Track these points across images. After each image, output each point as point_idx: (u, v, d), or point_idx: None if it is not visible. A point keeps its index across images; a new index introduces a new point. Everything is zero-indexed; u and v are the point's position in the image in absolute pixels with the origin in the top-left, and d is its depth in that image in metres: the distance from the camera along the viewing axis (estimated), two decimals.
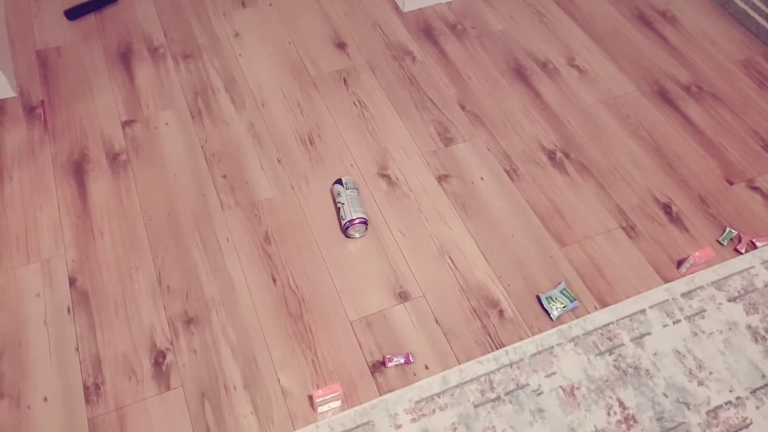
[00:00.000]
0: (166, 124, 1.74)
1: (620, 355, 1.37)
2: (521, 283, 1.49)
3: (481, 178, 1.67)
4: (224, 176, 1.64)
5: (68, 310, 1.38)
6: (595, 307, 1.45)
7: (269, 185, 1.64)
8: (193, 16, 2.04)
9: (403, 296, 1.45)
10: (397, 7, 2.12)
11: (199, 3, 2.08)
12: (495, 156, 1.72)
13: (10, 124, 1.71)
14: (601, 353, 1.37)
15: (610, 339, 1.39)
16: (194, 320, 1.38)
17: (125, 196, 1.57)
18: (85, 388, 1.27)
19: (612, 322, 1.41)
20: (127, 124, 1.73)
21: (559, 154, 1.74)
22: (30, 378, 1.28)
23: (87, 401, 1.26)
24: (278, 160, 1.69)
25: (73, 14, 2.00)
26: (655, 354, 1.37)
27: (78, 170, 1.62)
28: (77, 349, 1.32)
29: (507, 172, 1.69)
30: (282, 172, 1.67)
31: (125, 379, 1.29)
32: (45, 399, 1.26)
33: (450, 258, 1.51)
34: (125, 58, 1.90)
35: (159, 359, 1.32)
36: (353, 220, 1.50)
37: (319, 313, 1.42)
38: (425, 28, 2.06)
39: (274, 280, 1.46)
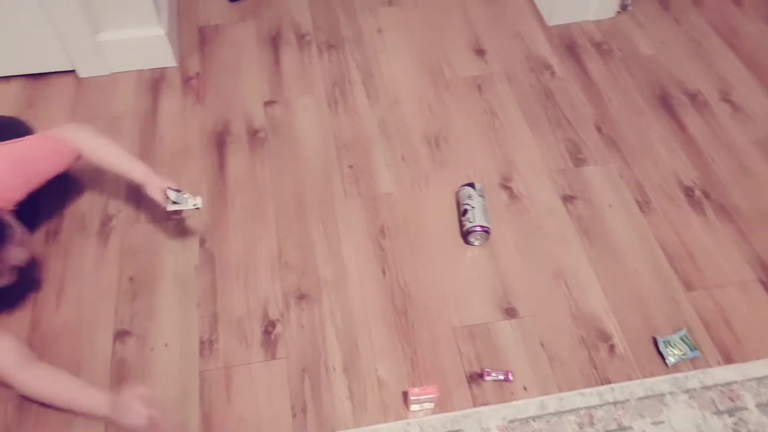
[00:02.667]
0: (304, 108, 1.82)
1: (741, 419, 1.26)
2: (638, 321, 1.41)
3: (609, 205, 1.60)
4: (350, 166, 1.69)
5: (195, 268, 1.49)
6: (718, 362, 1.34)
7: (391, 180, 1.67)
8: (341, 9, 2.12)
9: (510, 313, 1.42)
10: (542, 20, 2.08)
11: None
12: (627, 184, 1.64)
13: (168, 90, 1.87)
14: (719, 412, 1.27)
15: (731, 399, 1.28)
16: (306, 297, 1.44)
17: (259, 171, 1.66)
18: (201, 342, 1.37)
19: (736, 382, 1.30)
20: (268, 104, 1.83)
21: (697, 192, 1.63)
22: (156, 323, 1.40)
23: (201, 354, 1.35)
24: (403, 158, 1.72)
25: None
26: None
27: (220, 141, 1.74)
28: (198, 305, 1.42)
29: (638, 202, 1.61)
30: (405, 170, 1.69)
31: (236, 341, 1.37)
32: (166, 345, 1.36)
33: (565, 282, 1.46)
34: (274, 42, 2.01)
35: (269, 328, 1.39)
36: (480, 226, 1.49)
37: (423, 312, 1.42)
38: (569, 44, 2.01)
39: (384, 273, 1.49)
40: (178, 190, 1.38)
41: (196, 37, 2.03)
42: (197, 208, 1.40)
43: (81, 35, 1.78)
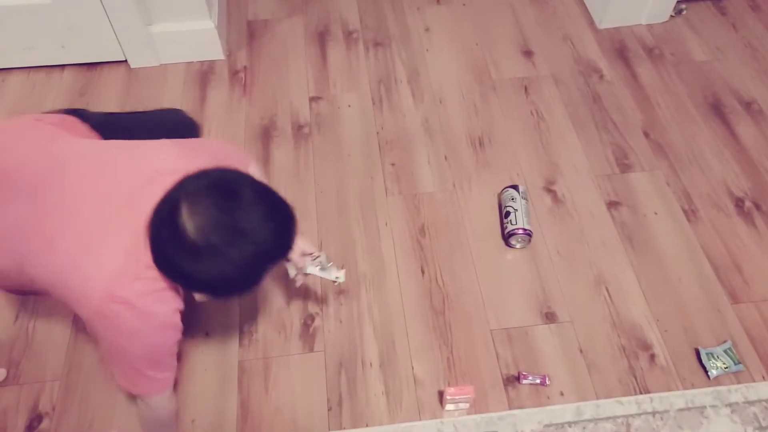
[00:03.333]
0: (349, 105, 1.84)
1: None
2: (680, 331, 1.38)
3: (655, 213, 1.57)
4: (393, 164, 1.70)
5: None
6: (763, 377, 1.31)
7: (433, 180, 1.67)
8: (389, 7, 2.12)
9: (549, 317, 1.41)
10: (592, 23, 2.05)
11: None
12: (674, 192, 1.61)
13: (216, 82, 1.91)
14: (761, 428, 1.24)
15: None
16: (345, 292, 1.45)
17: (303, 166, 1.69)
18: (240, 332, 1.40)
19: None
20: (314, 99, 1.85)
21: (748, 203, 1.59)
22: (198, 313, 1.43)
23: (240, 344, 1.38)
24: (445, 158, 1.72)
25: None
26: None
27: (265, 134, 1.77)
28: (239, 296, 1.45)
29: (685, 211, 1.57)
30: (447, 170, 1.69)
31: (275, 332, 1.40)
32: (206, 334, 1.40)
33: (606, 289, 1.45)
34: (322, 38, 2.03)
35: (308, 321, 1.41)
36: (523, 229, 1.48)
37: (461, 313, 1.42)
38: (619, 48, 1.97)
39: (423, 272, 1.49)
40: (319, 256, 1.24)
41: (244, 31, 2.06)
42: (338, 283, 1.28)
43: (134, 26, 1.83)
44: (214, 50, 1.95)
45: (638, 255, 1.50)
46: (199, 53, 1.96)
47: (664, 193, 1.61)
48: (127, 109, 1.82)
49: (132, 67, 1.94)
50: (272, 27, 2.07)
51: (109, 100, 1.86)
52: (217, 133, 1.77)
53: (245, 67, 1.95)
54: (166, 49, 1.93)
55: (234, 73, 1.93)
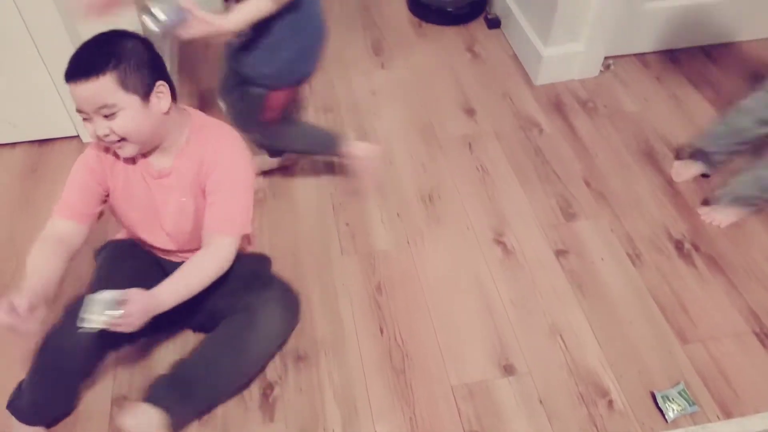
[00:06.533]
0: (301, 169, 1.87)
1: None
2: (635, 375, 1.41)
3: (602, 259, 1.63)
4: (347, 224, 1.72)
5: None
6: (718, 417, 1.34)
7: (387, 237, 1.70)
8: (336, 73, 2.20)
9: (508, 369, 1.42)
10: (529, 80, 2.16)
11: (343, 61, 2.24)
12: (618, 238, 1.68)
13: None
14: None
15: None
16: (304, 359, 1.44)
17: (258, 231, 1.68)
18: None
19: None
20: None
21: (687, 245, 1.67)
22: None
23: (199, 419, 1.33)
24: (398, 215, 1.75)
25: None
26: None
27: None
28: None
29: (629, 256, 1.64)
30: (400, 227, 1.72)
31: (234, 404, 1.36)
32: None
33: (561, 337, 1.48)
34: None
35: (267, 391, 1.38)
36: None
37: (421, 370, 1.42)
38: (555, 103, 2.08)
39: (382, 331, 1.50)
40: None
41: (196, 105, 2.09)
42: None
43: None
44: None
45: (589, 301, 1.54)
46: None
47: (609, 239, 1.68)
48: None
49: (84, 141, 1.93)
50: None
51: (62, 175, 1.83)
52: None
53: None
54: None
55: None
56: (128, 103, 1.08)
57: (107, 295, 1.02)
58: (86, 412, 1.35)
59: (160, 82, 1.12)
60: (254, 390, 1.38)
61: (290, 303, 1.38)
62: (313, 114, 2.04)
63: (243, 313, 1.29)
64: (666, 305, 1.54)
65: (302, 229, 1.71)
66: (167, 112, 1.14)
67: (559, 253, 1.65)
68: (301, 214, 1.74)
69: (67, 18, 1.66)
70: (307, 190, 1.81)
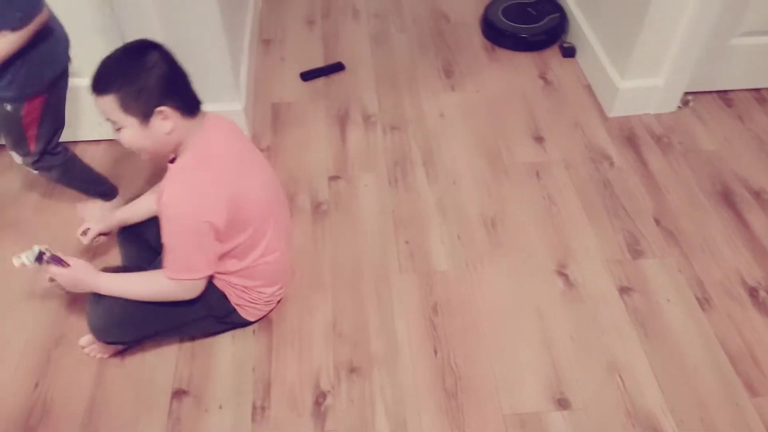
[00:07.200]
0: (365, 185, 1.90)
1: None
2: (697, 423, 1.35)
3: (668, 300, 1.58)
4: (407, 242, 1.74)
5: (253, 332, 1.54)
6: None
7: (446, 258, 1.70)
8: (406, 93, 2.23)
9: (562, 404, 1.39)
10: (602, 112, 2.13)
11: (414, 82, 2.28)
12: (687, 280, 1.62)
13: None
14: None
15: None
16: (357, 371, 1.46)
17: (320, 242, 1.73)
18: (254, 407, 1.40)
19: None
20: (333, 178, 1.92)
21: (762, 294, 1.59)
22: (212, 384, 1.44)
23: (253, 419, 1.38)
24: (458, 237, 1.75)
25: (307, 76, 2.31)
26: None
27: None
28: (253, 369, 1.46)
29: (698, 299, 1.58)
30: (460, 249, 1.72)
31: (288, 409, 1.39)
32: (220, 407, 1.40)
33: (620, 376, 1.43)
34: (342, 121, 2.13)
35: (320, 399, 1.41)
36: None
37: (474, 396, 1.41)
38: (629, 136, 2.04)
39: (436, 352, 1.50)
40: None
41: (269, 112, 2.17)
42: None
43: None
44: (241, 129, 2.05)
45: (652, 342, 1.50)
46: None
47: (677, 280, 1.62)
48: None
49: None
50: (295, 109, 2.18)
51: (141, 175, 1.94)
52: None
53: (268, 147, 2.04)
54: None
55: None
56: (128, 123, 1.16)
57: (36, 248, 1.28)
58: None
59: (160, 109, 1.15)
60: (307, 397, 1.41)
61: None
62: (380, 131, 2.08)
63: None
64: (735, 354, 1.47)
65: (362, 243, 1.74)
66: (170, 133, 1.18)
67: (623, 290, 1.60)
68: (362, 229, 1.77)
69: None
70: (370, 204, 1.84)
